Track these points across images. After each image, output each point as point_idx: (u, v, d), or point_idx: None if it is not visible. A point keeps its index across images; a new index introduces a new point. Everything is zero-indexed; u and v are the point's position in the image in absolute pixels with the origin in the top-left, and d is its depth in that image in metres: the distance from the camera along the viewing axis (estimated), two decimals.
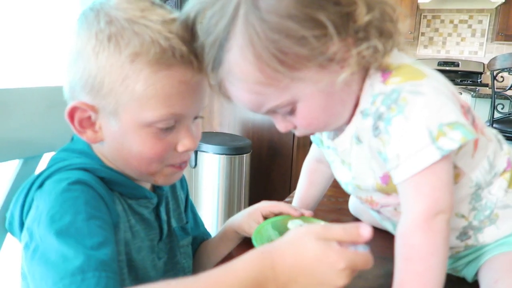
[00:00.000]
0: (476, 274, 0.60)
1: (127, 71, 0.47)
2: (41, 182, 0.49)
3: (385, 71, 0.50)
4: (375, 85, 0.50)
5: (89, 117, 0.52)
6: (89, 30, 0.49)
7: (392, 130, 0.48)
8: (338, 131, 0.59)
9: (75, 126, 0.52)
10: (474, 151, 0.55)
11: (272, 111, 0.52)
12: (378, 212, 0.64)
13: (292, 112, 0.51)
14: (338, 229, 0.43)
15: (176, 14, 0.51)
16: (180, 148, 0.54)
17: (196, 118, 0.56)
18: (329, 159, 0.65)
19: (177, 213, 0.68)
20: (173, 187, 0.69)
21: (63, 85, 0.54)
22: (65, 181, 0.47)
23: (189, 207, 0.74)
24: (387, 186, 0.55)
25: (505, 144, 0.60)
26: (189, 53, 0.49)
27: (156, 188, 0.62)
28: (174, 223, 0.66)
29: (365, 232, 0.43)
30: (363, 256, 0.43)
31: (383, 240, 0.77)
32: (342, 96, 0.51)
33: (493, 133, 0.60)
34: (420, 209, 0.47)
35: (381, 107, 0.49)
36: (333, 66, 0.47)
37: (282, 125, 0.54)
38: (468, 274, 0.61)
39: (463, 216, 0.58)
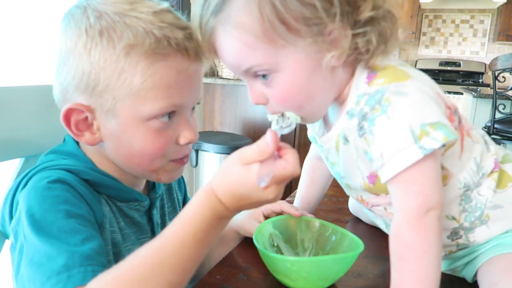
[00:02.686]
0: (475, 275, 0.60)
1: (123, 65, 0.47)
2: (26, 182, 0.49)
3: (371, 72, 0.51)
4: (360, 86, 0.51)
5: (86, 119, 0.51)
6: (77, 27, 0.48)
7: (375, 130, 0.49)
8: (326, 128, 0.60)
9: (71, 130, 0.51)
10: (461, 153, 0.55)
11: (251, 73, 0.51)
12: (370, 210, 0.64)
13: (270, 82, 0.50)
14: (254, 149, 0.44)
15: (165, 4, 0.52)
16: (182, 140, 0.53)
17: (193, 108, 0.56)
18: (322, 156, 0.66)
19: (173, 215, 0.67)
20: (169, 189, 0.68)
21: (53, 88, 0.53)
22: (45, 179, 0.47)
23: None
24: (374, 186, 0.56)
25: (492, 145, 0.60)
26: (184, 40, 0.49)
27: (149, 191, 0.61)
28: None
29: (268, 137, 0.44)
30: (279, 173, 0.43)
31: (382, 240, 0.76)
32: (324, 83, 0.51)
33: (480, 134, 0.60)
34: (411, 207, 0.48)
35: (365, 107, 0.49)
36: (325, 45, 0.48)
37: (254, 95, 0.53)
38: (467, 275, 0.61)
39: (454, 218, 0.58)
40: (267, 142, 0.43)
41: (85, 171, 0.51)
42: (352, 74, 0.53)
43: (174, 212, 0.68)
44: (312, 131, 0.66)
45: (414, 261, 0.47)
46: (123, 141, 0.51)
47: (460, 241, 0.60)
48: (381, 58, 0.51)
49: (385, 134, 0.48)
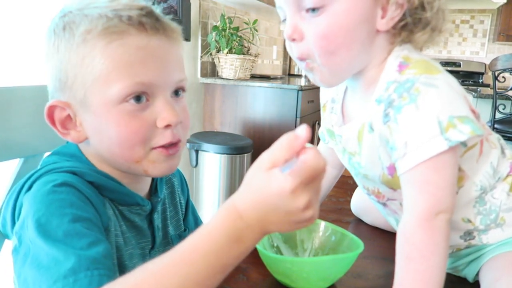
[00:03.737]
0: (477, 274, 0.60)
1: (83, 50, 0.48)
2: (30, 184, 0.49)
3: (403, 62, 0.52)
4: (390, 73, 0.52)
5: (69, 116, 0.51)
6: (48, 30, 0.51)
7: (400, 119, 0.49)
8: (343, 120, 0.60)
9: (57, 129, 0.51)
10: (479, 156, 0.56)
11: (301, 5, 0.51)
12: (384, 205, 0.64)
13: (318, 15, 0.50)
14: (279, 149, 0.38)
15: None
16: (160, 123, 0.50)
17: (177, 93, 0.54)
18: (337, 149, 0.66)
19: (175, 220, 0.66)
20: (172, 192, 0.67)
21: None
22: (50, 183, 0.46)
23: (189, 211, 0.72)
24: (393, 179, 0.56)
25: (508, 150, 0.61)
26: (139, 16, 0.49)
27: (151, 195, 0.60)
28: (171, 231, 0.64)
29: (301, 131, 0.37)
30: (302, 168, 0.37)
31: (383, 241, 0.76)
32: (364, 39, 0.52)
33: (496, 139, 0.61)
34: (422, 208, 0.48)
35: (393, 94, 0.50)
36: (379, 5, 0.51)
37: (291, 28, 0.52)
38: (469, 273, 0.61)
39: (469, 221, 0.58)
40: (296, 134, 0.37)
41: (89, 173, 0.51)
42: (386, 56, 0.54)
43: (176, 216, 0.67)
44: (329, 123, 0.66)
45: (420, 262, 0.47)
46: (101, 132, 0.50)
47: (473, 242, 0.60)
48: (414, 51, 0.53)
49: (412, 123, 0.48)
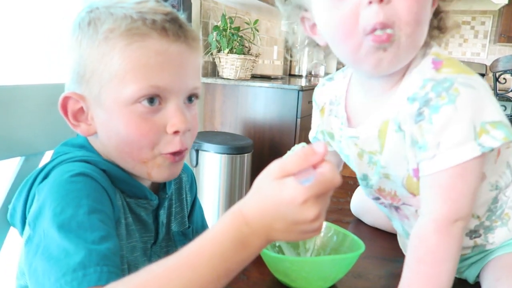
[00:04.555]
0: (478, 276, 0.60)
1: (104, 49, 0.49)
2: (44, 175, 0.49)
3: (436, 59, 0.51)
4: (425, 71, 0.51)
5: (82, 109, 0.52)
6: (73, 24, 0.52)
7: (436, 118, 0.47)
8: (349, 122, 0.59)
9: (69, 119, 0.52)
10: (497, 157, 0.56)
11: None
12: (397, 209, 0.63)
13: None
14: (293, 160, 0.39)
15: None
16: (169, 128, 0.51)
17: (190, 100, 0.54)
18: (346, 152, 0.64)
19: (180, 216, 0.66)
20: (179, 188, 0.67)
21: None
22: (67, 173, 0.47)
23: (196, 209, 0.71)
24: (418, 182, 0.54)
25: None
26: (163, 21, 0.49)
27: (159, 190, 0.60)
28: (175, 227, 0.64)
29: (319, 147, 0.38)
30: (319, 180, 0.38)
31: (384, 241, 0.76)
32: (428, 22, 0.52)
33: None
34: (442, 213, 0.48)
35: (431, 93, 0.48)
36: None
37: (382, 11, 0.46)
38: (470, 275, 0.61)
39: (477, 217, 0.58)
40: (315, 149, 0.38)
41: (102, 161, 0.52)
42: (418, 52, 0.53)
43: (182, 213, 0.67)
44: (328, 126, 0.65)
45: (432, 266, 0.47)
46: (111, 129, 0.51)
47: (479, 240, 0.60)
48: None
49: (448, 124, 0.47)
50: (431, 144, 0.48)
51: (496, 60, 2.52)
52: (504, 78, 2.56)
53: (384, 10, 0.46)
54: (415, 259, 0.49)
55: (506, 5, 4.05)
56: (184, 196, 0.68)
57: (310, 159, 0.38)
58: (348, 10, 0.48)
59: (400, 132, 0.53)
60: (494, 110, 0.47)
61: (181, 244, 0.63)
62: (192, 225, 0.69)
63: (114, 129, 0.51)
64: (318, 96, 0.69)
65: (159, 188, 0.61)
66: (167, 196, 0.61)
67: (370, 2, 0.46)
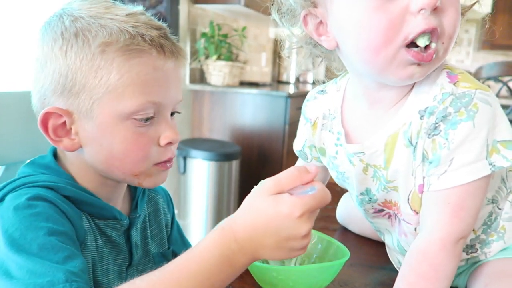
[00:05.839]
0: (467, 281, 0.60)
1: (99, 62, 0.47)
2: (1, 196, 0.47)
3: (451, 73, 0.50)
4: (444, 85, 0.49)
5: (64, 124, 0.50)
6: (53, 32, 0.49)
7: (452, 134, 0.46)
8: (347, 138, 0.58)
9: (49, 136, 0.50)
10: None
11: None
12: (400, 222, 0.61)
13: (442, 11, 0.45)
14: (287, 177, 0.42)
15: (140, 7, 0.52)
16: (163, 141, 0.52)
17: (173, 114, 0.55)
18: (341, 169, 0.62)
19: (159, 238, 0.65)
20: (156, 210, 0.66)
21: (32, 98, 0.52)
22: (24, 196, 0.45)
23: (175, 229, 0.70)
24: (421, 198, 0.53)
25: None
26: (159, 37, 0.50)
27: (131, 211, 0.59)
28: (154, 249, 0.63)
29: (311, 168, 0.42)
30: (314, 196, 0.41)
31: (369, 249, 0.77)
32: None
33: None
34: (449, 232, 0.48)
35: (450, 108, 0.47)
36: None
37: (431, 19, 0.44)
38: (460, 282, 0.61)
39: (473, 231, 0.58)
40: (309, 168, 0.42)
41: (65, 187, 0.50)
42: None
43: (160, 234, 0.66)
44: (319, 142, 0.63)
45: (433, 282, 0.47)
46: (102, 144, 0.50)
47: (475, 254, 0.59)
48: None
49: (465, 141, 0.46)
50: (444, 159, 0.47)
51: (480, 68, 2.56)
52: (488, 85, 2.60)
53: (436, 19, 0.44)
54: (416, 274, 0.48)
55: (490, 13, 4.14)
56: (162, 217, 0.67)
57: (304, 178, 0.41)
58: (397, 14, 0.44)
59: (410, 147, 0.51)
60: (505, 128, 0.47)
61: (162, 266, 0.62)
62: (171, 245, 0.68)
63: (106, 144, 0.50)
64: (309, 111, 0.65)
65: (131, 209, 0.60)
66: (138, 216, 0.60)
67: (422, 9, 0.43)
